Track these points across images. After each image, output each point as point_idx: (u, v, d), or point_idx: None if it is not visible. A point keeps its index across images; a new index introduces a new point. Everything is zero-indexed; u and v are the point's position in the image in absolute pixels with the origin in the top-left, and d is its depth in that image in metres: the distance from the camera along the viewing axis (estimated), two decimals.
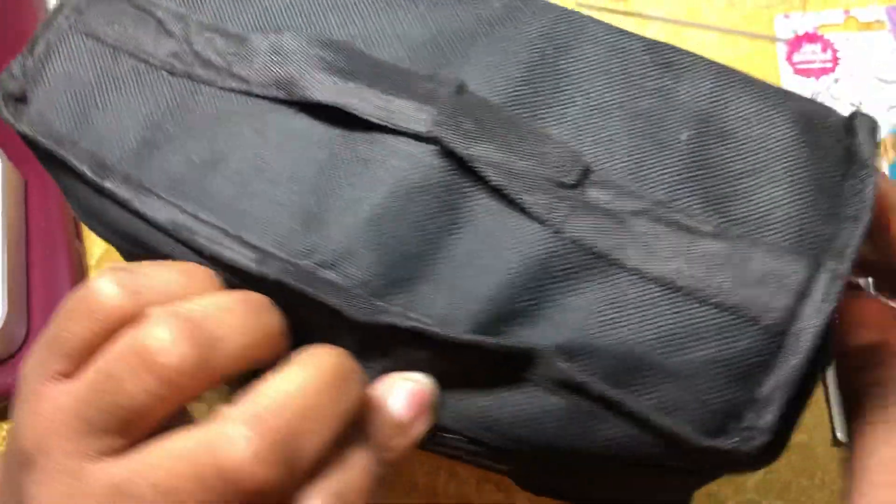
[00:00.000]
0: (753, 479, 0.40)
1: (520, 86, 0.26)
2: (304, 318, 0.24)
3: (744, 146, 0.24)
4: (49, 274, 0.46)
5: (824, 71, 0.46)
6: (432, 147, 0.24)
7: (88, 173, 0.26)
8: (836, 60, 0.46)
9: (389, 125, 0.25)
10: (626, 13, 0.50)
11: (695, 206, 0.24)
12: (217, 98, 0.27)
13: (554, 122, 0.25)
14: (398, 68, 0.26)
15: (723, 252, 0.23)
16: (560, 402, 0.23)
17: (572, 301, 0.23)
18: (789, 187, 0.24)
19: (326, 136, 0.25)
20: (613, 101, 0.25)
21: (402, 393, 0.24)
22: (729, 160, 0.24)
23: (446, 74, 0.26)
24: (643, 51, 0.26)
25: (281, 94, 0.26)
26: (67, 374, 0.21)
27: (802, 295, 0.22)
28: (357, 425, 0.22)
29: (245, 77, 0.26)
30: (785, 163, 0.24)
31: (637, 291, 0.23)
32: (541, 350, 0.23)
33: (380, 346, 0.24)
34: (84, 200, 0.27)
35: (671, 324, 0.23)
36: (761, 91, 0.25)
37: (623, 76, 0.26)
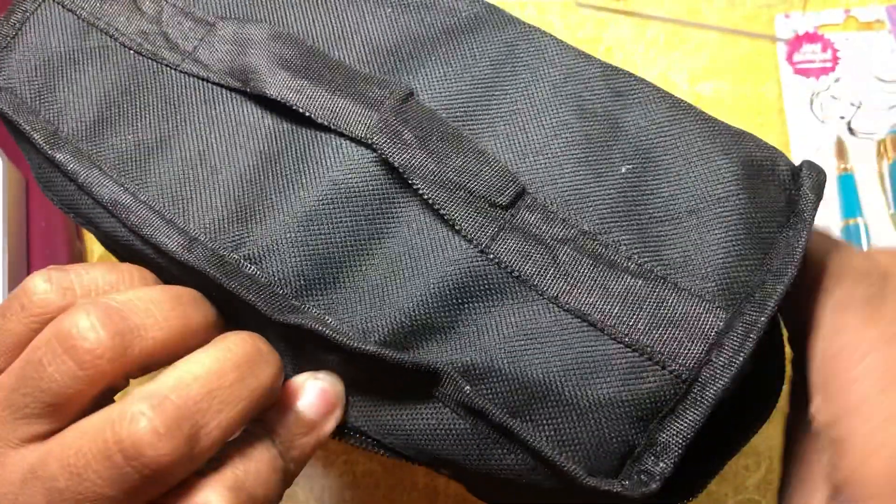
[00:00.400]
0: (753, 478, 0.40)
1: (469, 101, 0.25)
2: (238, 309, 0.24)
3: (682, 186, 0.24)
4: None
5: (824, 71, 0.46)
6: (371, 153, 0.24)
7: (42, 143, 0.27)
8: (836, 60, 0.46)
9: (332, 126, 0.25)
10: (626, 13, 0.50)
11: (623, 241, 0.23)
12: (176, 81, 0.27)
13: (498, 141, 0.25)
14: (351, 70, 0.26)
15: (642, 291, 0.23)
16: (462, 423, 0.23)
17: (487, 322, 0.23)
18: (721, 234, 0.23)
19: (273, 130, 0.26)
20: (561, 125, 0.25)
21: (312, 392, 0.24)
22: (665, 199, 0.24)
23: (397, 81, 0.26)
24: (600, 77, 0.26)
25: (236, 84, 0.26)
26: None
27: (714, 345, 0.22)
28: (264, 421, 0.23)
29: (207, 63, 0.27)
30: (721, 208, 0.23)
31: (551, 321, 0.23)
32: (444, 369, 0.22)
33: (298, 345, 0.24)
34: (40, 171, 0.28)
35: (579, 357, 0.22)
36: (712, 131, 0.25)
37: (575, 101, 0.25)
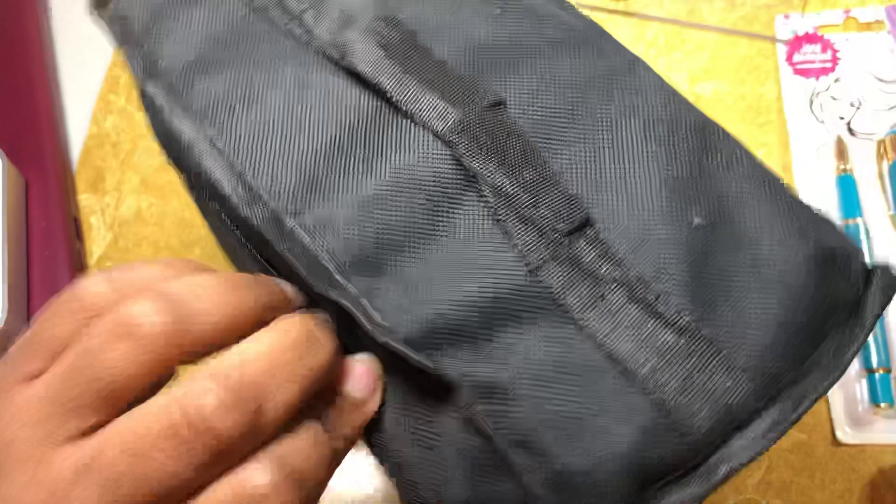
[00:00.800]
0: (753, 478, 0.40)
1: (555, 120, 0.25)
2: (288, 280, 0.25)
3: (750, 256, 0.23)
4: (49, 274, 0.46)
5: (824, 71, 0.46)
6: (446, 151, 0.24)
7: (138, 72, 0.27)
8: (835, 60, 0.46)
9: (415, 116, 0.25)
10: (626, 13, 0.50)
11: (675, 295, 0.23)
12: (278, 40, 0.28)
13: (576, 167, 0.25)
14: (446, 66, 0.26)
15: (684, 351, 0.22)
16: (468, 438, 0.22)
17: (519, 344, 0.22)
18: (780, 314, 0.22)
19: (358, 108, 0.26)
20: (643, 166, 0.24)
21: (359, 371, 0.24)
22: (729, 263, 0.23)
23: (487, 85, 0.26)
24: (694, 127, 0.25)
25: (334, 55, 0.27)
26: (39, 374, 0.21)
27: (739, 427, 0.21)
28: (313, 402, 0.23)
29: (310, 29, 0.27)
30: (784, 290, 0.23)
31: (583, 357, 0.22)
32: (460, 384, 0.22)
33: (342, 320, 0.25)
34: (142, 98, 0.29)
35: (604, 401, 0.22)
36: (794, 207, 0.24)
37: (664, 145, 0.25)
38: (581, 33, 0.27)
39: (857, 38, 0.47)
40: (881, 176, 0.43)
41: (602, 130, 0.25)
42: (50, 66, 0.55)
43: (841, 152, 0.43)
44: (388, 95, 0.25)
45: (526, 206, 0.24)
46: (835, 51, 0.46)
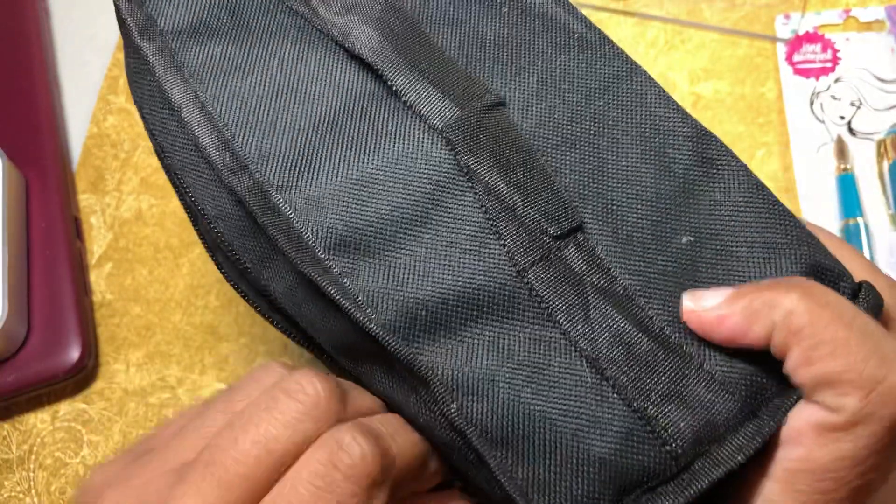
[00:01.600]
0: None
1: (553, 124, 0.25)
2: (271, 257, 0.25)
3: (738, 272, 0.23)
4: (49, 274, 0.46)
5: (824, 71, 0.46)
6: (443, 145, 0.24)
7: (133, 30, 0.27)
8: (836, 60, 0.46)
9: (415, 107, 0.25)
10: (626, 13, 0.50)
11: (659, 308, 0.23)
12: (282, 14, 0.28)
13: (571, 172, 0.24)
14: (451, 62, 0.26)
15: (666, 362, 0.22)
16: (444, 432, 0.23)
17: (500, 342, 0.22)
18: None
19: (356, 90, 0.26)
20: (637, 176, 0.24)
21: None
22: (717, 280, 0.23)
23: (490, 83, 0.26)
24: (691, 138, 0.25)
25: (336, 35, 0.27)
26: None
27: (719, 438, 0.21)
28: None
29: (315, 7, 0.27)
30: None
31: (565, 362, 0.22)
32: (436, 379, 0.22)
33: (319, 298, 0.25)
34: (130, 61, 0.28)
35: (583, 407, 0.21)
36: (785, 225, 0.24)
37: (658, 155, 0.24)
38: (583, 37, 0.27)
39: (857, 37, 0.47)
40: (881, 176, 0.43)
41: (600, 136, 0.25)
42: (50, 66, 0.55)
43: (841, 152, 0.43)
44: (389, 83, 0.25)
45: (519, 207, 0.24)
46: (835, 51, 0.46)
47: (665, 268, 0.23)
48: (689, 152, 0.25)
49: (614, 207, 0.24)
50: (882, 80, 0.45)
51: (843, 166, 0.43)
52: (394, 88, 0.25)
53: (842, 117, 0.44)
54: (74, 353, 0.44)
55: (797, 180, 0.44)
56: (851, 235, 0.41)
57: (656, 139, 0.25)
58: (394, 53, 0.26)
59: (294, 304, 0.25)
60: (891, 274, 0.40)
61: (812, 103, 0.45)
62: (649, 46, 0.49)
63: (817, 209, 0.43)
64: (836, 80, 0.46)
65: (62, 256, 0.47)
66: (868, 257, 0.40)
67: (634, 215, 0.24)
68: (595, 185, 0.24)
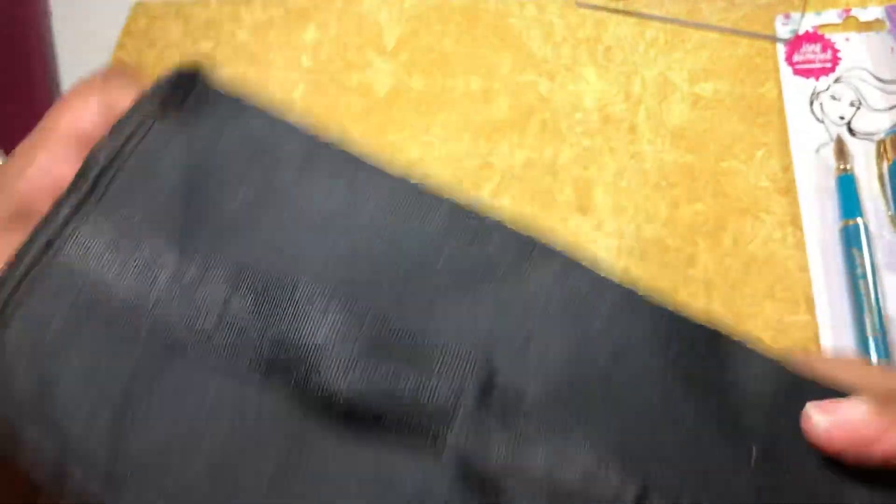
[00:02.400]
0: None
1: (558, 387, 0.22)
2: None
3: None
4: None
5: (824, 71, 0.46)
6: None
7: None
8: (836, 60, 0.46)
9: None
10: (626, 13, 0.50)
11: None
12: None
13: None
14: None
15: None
16: None
17: None
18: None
19: (297, 426, 0.21)
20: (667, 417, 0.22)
21: None
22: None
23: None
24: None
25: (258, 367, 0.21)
26: None
27: None
28: None
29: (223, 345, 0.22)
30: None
31: None
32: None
33: None
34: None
35: None
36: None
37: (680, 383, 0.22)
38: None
39: (857, 37, 0.47)
40: (881, 176, 0.43)
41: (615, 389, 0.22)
42: (50, 66, 0.55)
43: (841, 152, 0.43)
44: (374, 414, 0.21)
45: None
46: (835, 51, 0.46)
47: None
48: (671, 374, 0.22)
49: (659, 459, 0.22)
50: (882, 81, 0.45)
51: (842, 167, 0.43)
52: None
53: (841, 117, 0.44)
54: None
55: (797, 180, 0.44)
56: (851, 236, 0.41)
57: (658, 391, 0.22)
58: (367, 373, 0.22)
59: None
60: (891, 274, 0.40)
61: (812, 103, 0.45)
62: (649, 46, 0.49)
63: (817, 210, 0.43)
64: (836, 81, 0.46)
65: None
66: (868, 258, 0.40)
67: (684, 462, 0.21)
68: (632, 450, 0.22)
